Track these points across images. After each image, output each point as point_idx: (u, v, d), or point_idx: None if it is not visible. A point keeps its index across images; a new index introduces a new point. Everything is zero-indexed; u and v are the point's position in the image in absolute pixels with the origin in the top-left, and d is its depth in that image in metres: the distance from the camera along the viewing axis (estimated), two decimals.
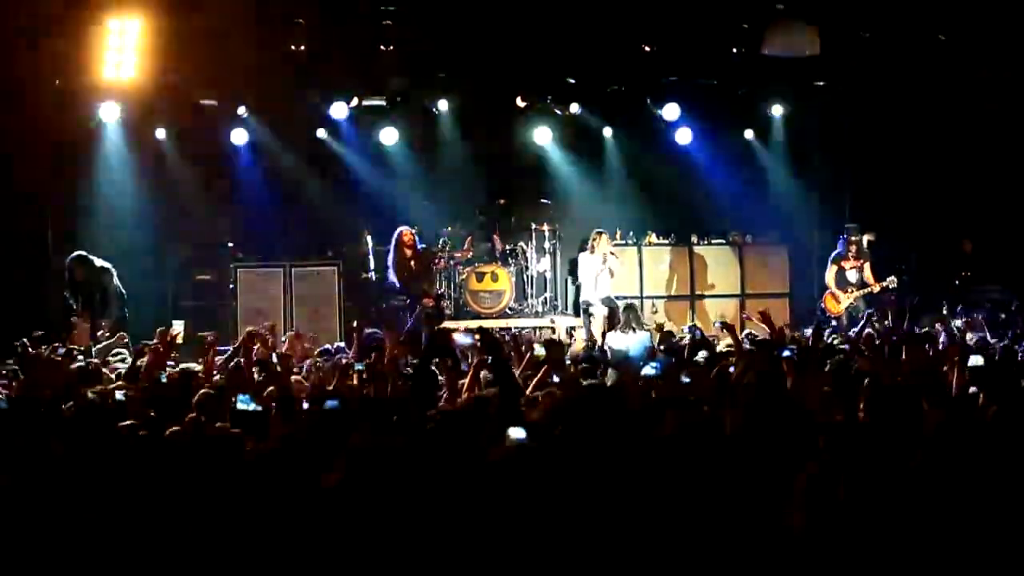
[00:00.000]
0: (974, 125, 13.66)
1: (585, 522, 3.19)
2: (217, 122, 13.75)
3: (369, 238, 13.82)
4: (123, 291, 11.52)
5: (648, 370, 5.88)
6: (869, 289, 13.11)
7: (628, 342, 9.51)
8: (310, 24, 12.40)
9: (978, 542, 3.14)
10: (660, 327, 10.58)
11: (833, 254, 13.50)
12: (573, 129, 14.78)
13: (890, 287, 12.99)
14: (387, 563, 3.22)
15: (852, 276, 13.27)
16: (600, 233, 13.26)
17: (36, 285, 12.33)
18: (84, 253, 11.44)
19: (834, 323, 12.83)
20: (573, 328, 13.34)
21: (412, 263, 12.78)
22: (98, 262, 11.44)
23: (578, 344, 10.00)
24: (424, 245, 13.10)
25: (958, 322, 11.24)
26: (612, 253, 13.10)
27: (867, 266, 13.30)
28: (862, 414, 4.73)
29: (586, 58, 13.35)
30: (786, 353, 5.65)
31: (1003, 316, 11.99)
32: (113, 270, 11.49)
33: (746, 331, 10.68)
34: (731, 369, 6.22)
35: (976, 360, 6.33)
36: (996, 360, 7.27)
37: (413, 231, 12.93)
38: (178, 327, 10.22)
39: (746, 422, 4.52)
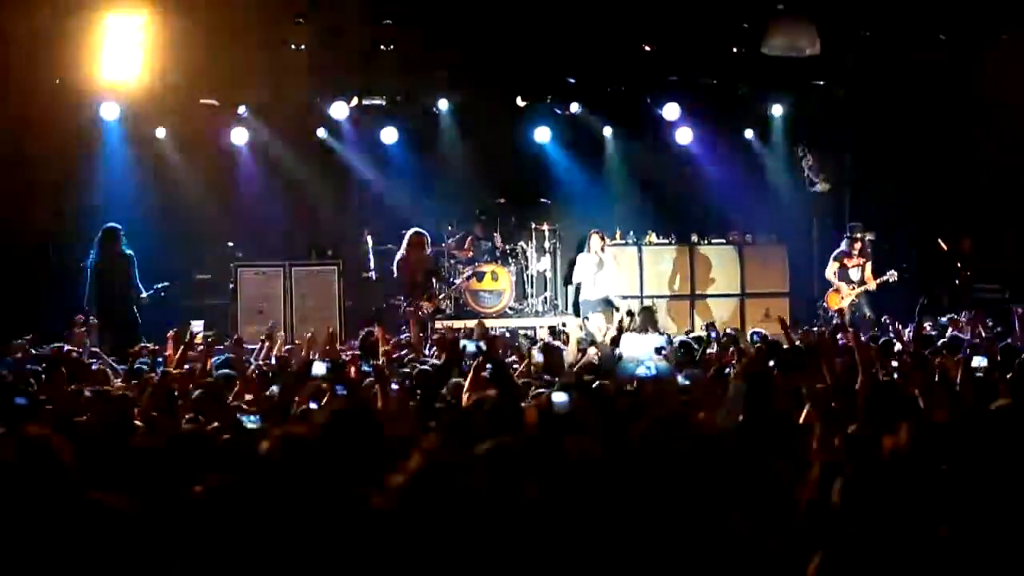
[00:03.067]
0: (974, 125, 13.65)
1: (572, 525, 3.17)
2: (217, 122, 13.76)
3: (369, 238, 13.83)
4: (141, 291, 11.43)
5: (642, 370, 5.84)
6: (867, 287, 13.17)
7: (642, 345, 9.36)
8: (310, 24, 12.41)
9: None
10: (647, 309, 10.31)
11: (836, 252, 13.54)
12: (573, 129, 14.79)
13: (890, 280, 13.03)
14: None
15: (855, 274, 13.32)
16: (594, 232, 13.30)
17: (36, 284, 12.33)
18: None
19: (836, 320, 12.83)
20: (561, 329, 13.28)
21: (417, 272, 12.66)
22: (127, 248, 11.39)
23: (572, 347, 9.91)
24: (431, 252, 13.02)
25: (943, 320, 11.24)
26: (602, 249, 13.13)
27: (868, 265, 13.34)
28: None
29: (586, 58, 13.35)
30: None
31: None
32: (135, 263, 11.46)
33: (752, 330, 10.69)
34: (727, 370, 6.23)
35: (979, 361, 6.29)
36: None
37: (426, 235, 12.83)
38: (198, 327, 10.19)
39: (739, 422, 4.53)
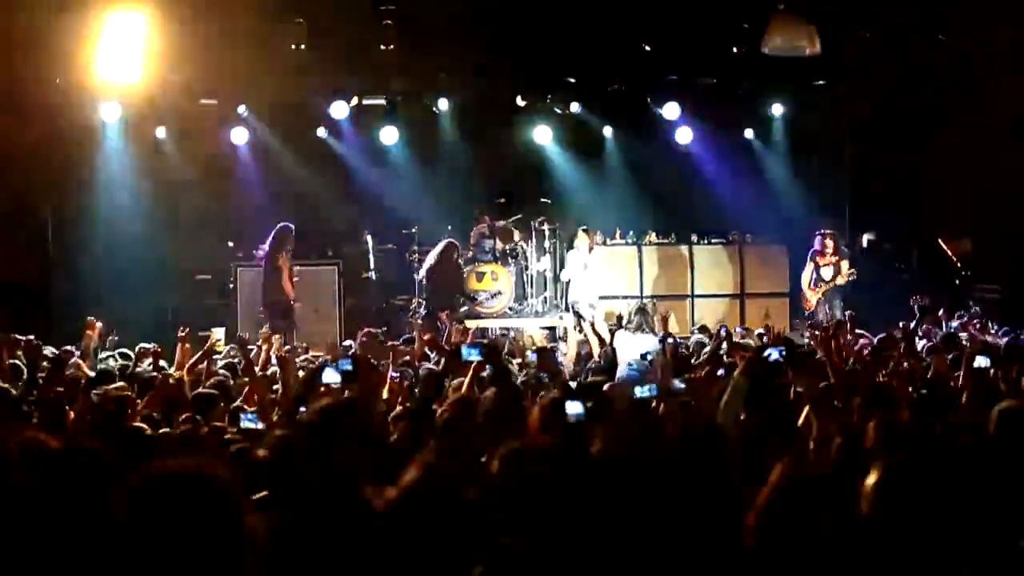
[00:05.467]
0: (974, 125, 13.64)
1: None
2: (217, 122, 13.76)
3: (369, 238, 13.83)
4: None
5: (642, 392, 5.72)
6: (833, 283, 13.17)
7: (636, 346, 9.29)
8: (310, 24, 12.40)
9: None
10: (665, 320, 10.34)
11: (810, 252, 13.55)
12: (573, 129, 14.78)
13: (849, 279, 13.07)
14: None
15: (827, 273, 13.32)
16: (584, 230, 13.02)
17: (36, 284, 12.33)
18: None
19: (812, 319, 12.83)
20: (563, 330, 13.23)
21: (455, 273, 12.94)
22: None
23: (572, 351, 9.90)
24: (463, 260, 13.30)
25: (955, 323, 11.22)
26: (590, 250, 12.81)
27: (844, 263, 13.33)
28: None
29: (586, 57, 13.36)
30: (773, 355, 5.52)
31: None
32: None
33: (759, 330, 10.69)
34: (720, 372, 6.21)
35: (982, 361, 6.27)
36: None
37: (458, 246, 13.18)
38: (218, 333, 10.16)
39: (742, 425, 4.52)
